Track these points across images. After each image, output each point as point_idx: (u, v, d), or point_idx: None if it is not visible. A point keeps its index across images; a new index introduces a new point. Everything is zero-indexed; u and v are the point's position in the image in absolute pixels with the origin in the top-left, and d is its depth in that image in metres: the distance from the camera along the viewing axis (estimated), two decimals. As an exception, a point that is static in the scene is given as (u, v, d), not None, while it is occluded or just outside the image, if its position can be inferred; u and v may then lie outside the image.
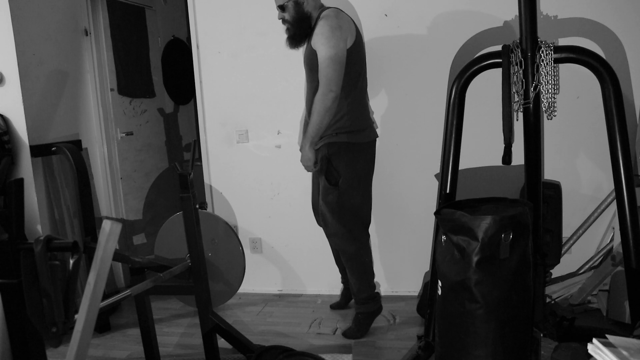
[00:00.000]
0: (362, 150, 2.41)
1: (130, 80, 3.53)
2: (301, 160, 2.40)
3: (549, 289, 2.62)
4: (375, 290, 2.54)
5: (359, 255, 2.46)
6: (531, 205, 1.74)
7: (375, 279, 2.57)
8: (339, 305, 2.85)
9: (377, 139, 2.53)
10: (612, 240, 2.65)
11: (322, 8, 2.37)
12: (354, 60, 2.30)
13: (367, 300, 2.49)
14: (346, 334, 2.49)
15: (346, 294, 2.84)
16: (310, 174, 2.90)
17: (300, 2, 2.33)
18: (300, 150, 2.67)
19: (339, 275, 2.91)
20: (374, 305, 2.51)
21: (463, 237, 1.62)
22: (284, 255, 3.12)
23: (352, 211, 2.41)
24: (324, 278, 3.06)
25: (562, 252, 2.68)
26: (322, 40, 2.21)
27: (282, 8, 2.37)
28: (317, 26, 2.25)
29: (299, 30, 2.36)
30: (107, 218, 2.91)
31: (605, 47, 2.56)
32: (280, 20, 2.42)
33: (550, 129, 2.67)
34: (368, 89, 2.54)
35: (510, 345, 1.62)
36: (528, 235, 1.64)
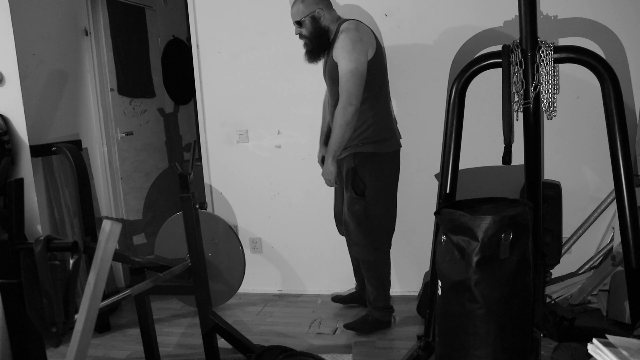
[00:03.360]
0: (388, 160, 2.42)
1: (130, 80, 3.53)
2: (323, 174, 2.41)
3: (549, 289, 2.62)
4: (390, 304, 2.56)
5: (378, 265, 2.48)
6: (531, 205, 1.73)
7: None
8: (342, 300, 2.85)
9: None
10: (612, 240, 2.65)
11: (341, 20, 2.36)
12: (376, 71, 2.31)
13: (382, 308, 2.52)
14: (348, 326, 2.51)
15: (355, 296, 2.84)
16: (311, 176, 2.90)
17: (317, 17, 2.33)
18: (320, 162, 2.66)
19: (339, 276, 2.91)
20: (386, 316, 2.53)
21: (463, 237, 1.62)
22: (284, 255, 3.11)
23: (377, 221, 2.41)
24: (324, 278, 3.06)
25: (562, 252, 2.68)
26: (342, 53, 2.21)
27: (299, 24, 2.37)
28: (338, 39, 2.25)
29: (318, 44, 2.36)
30: (107, 218, 2.91)
31: (605, 47, 2.56)
32: (296, 34, 2.41)
33: (550, 129, 2.67)
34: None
35: (510, 345, 1.62)
36: (528, 235, 1.64)
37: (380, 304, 2.51)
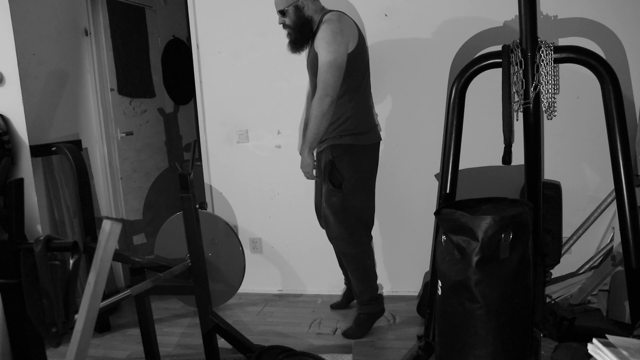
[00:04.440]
0: (366, 153, 2.40)
1: (130, 80, 3.53)
2: (301, 167, 2.40)
3: (549, 289, 2.62)
4: (378, 292, 2.55)
5: (360, 257, 2.46)
6: (531, 205, 1.74)
7: (377, 281, 2.56)
8: (340, 305, 2.85)
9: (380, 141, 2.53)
10: (612, 240, 2.65)
11: (325, 11, 2.36)
12: (357, 64, 2.30)
13: (370, 301, 2.50)
14: (346, 334, 2.49)
15: (348, 294, 2.84)
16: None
17: (300, 6, 2.32)
18: (300, 152, 2.66)
19: (339, 276, 2.91)
20: (376, 307, 2.52)
21: (463, 237, 1.62)
22: (284, 255, 3.12)
23: (354, 214, 2.40)
24: (324, 278, 3.06)
25: (562, 252, 2.68)
26: (322, 44, 2.20)
27: (282, 13, 2.36)
28: (320, 30, 2.24)
29: (300, 35, 2.35)
30: (107, 218, 2.91)
31: (605, 47, 2.56)
32: (281, 25, 2.41)
33: (550, 129, 2.67)
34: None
35: (510, 345, 1.62)
36: (528, 235, 1.64)
37: (366, 297, 2.49)
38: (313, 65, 2.31)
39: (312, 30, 2.34)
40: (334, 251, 2.90)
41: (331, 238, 2.49)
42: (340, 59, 2.20)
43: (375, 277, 2.54)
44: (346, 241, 2.42)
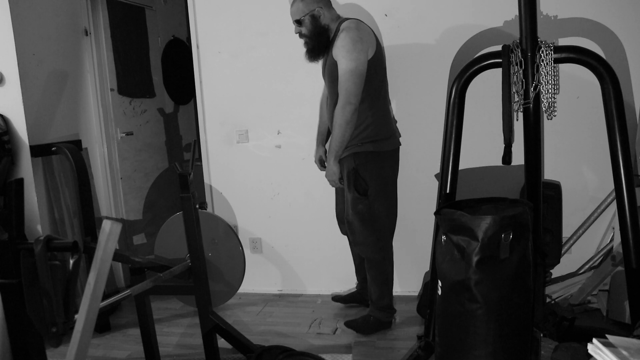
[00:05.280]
0: (388, 158, 2.43)
1: (130, 80, 3.53)
2: (326, 176, 2.41)
3: (549, 289, 2.62)
4: (392, 304, 2.56)
5: (383, 263, 2.48)
6: (531, 205, 1.73)
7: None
8: (342, 299, 2.85)
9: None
10: (612, 240, 2.65)
11: (341, 19, 2.36)
12: (376, 71, 2.31)
13: (385, 308, 2.52)
14: (349, 323, 2.52)
15: (356, 295, 2.84)
16: (311, 176, 2.90)
17: (317, 15, 2.33)
18: (317, 162, 2.65)
19: (339, 276, 2.91)
20: (387, 316, 2.53)
21: (463, 237, 1.62)
22: (284, 255, 3.11)
23: (380, 219, 2.42)
24: (324, 278, 3.06)
25: (562, 252, 2.68)
26: (343, 52, 2.22)
27: (298, 22, 2.36)
28: (339, 38, 2.25)
29: (318, 43, 2.36)
30: (107, 218, 2.91)
31: (605, 47, 2.56)
32: (296, 32, 2.41)
33: (550, 129, 2.67)
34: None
35: (510, 345, 1.62)
36: (528, 235, 1.64)
37: (383, 303, 2.51)
38: (331, 73, 2.32)
39: (329, 39, 2.35)
40: (334, 251, 2.91)
41: (357, 244, 2.50)
42: (361, 66, 2.21)
43: (392, 285, 2.56)
44: (372, 247, 2.43)
